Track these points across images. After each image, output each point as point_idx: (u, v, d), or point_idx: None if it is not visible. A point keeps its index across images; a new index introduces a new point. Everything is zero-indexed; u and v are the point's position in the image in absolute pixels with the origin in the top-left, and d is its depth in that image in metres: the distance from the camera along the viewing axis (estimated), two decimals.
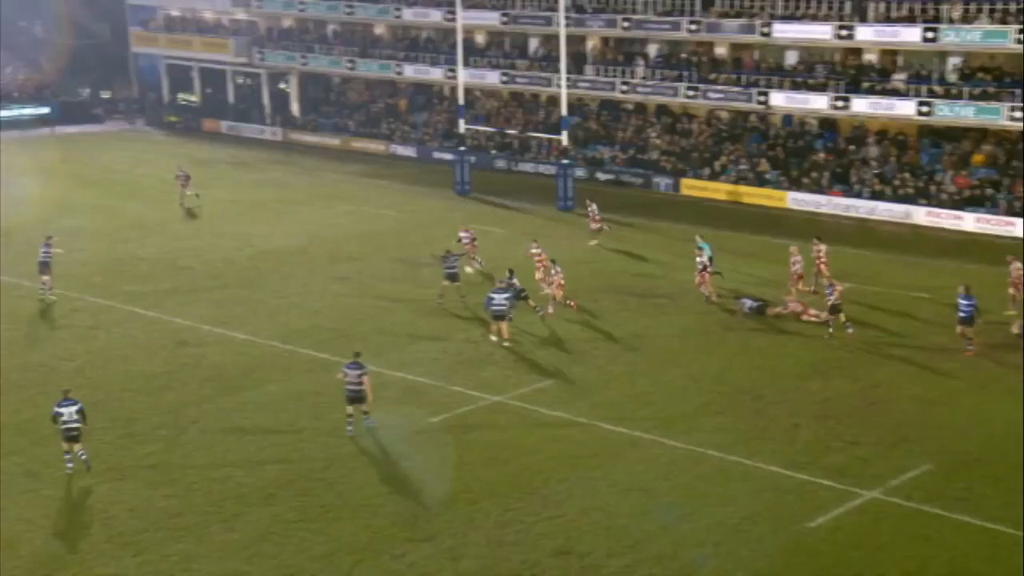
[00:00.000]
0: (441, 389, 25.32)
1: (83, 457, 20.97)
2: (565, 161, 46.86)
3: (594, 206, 39.36)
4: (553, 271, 30.95)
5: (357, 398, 22.70)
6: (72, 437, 20.75)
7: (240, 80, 68.79)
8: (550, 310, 30.40)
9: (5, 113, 65.53)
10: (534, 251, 32.76)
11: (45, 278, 31.87)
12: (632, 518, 19.35)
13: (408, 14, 60.57)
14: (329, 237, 39.91)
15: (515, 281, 29.82)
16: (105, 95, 73.04)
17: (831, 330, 28.63)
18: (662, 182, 50.07)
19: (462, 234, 35.11)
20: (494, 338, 28.44)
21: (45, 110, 67.02)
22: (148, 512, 19.45)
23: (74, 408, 20.85)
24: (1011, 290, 30.39)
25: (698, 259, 31.91)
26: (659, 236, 40.07)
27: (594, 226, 38.81)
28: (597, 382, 25.89)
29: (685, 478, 20.84)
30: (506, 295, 28.38)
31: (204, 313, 30.89)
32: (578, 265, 34.95)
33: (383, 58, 61.63)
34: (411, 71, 60.42)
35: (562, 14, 46.78)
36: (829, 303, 29.01)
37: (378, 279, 34.16)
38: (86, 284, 33.48)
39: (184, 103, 70.35)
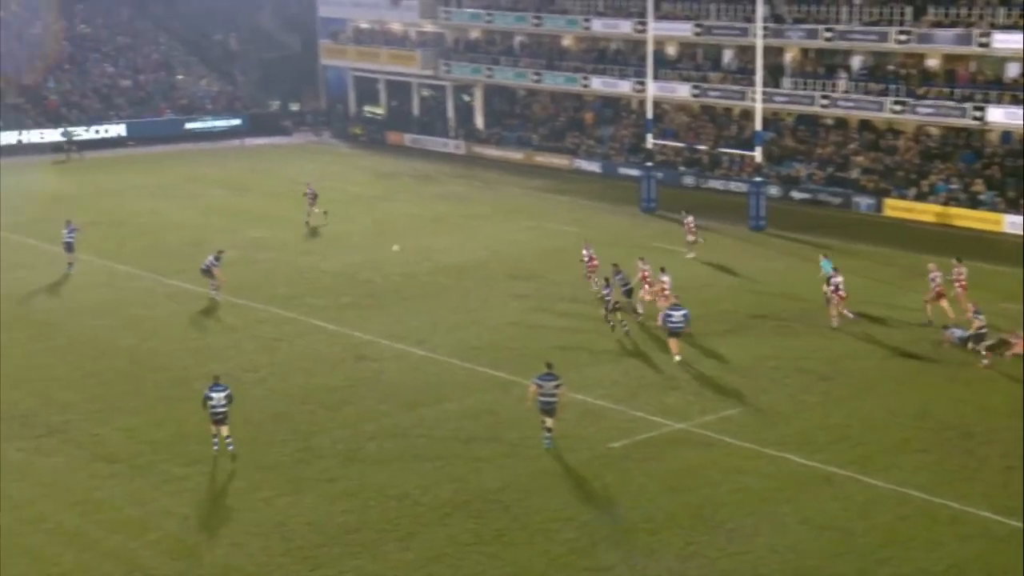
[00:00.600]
0: (622, 413, 25.23)
1: (228, 441, 22.81)
2: (758, 178, 46.05)
3: (690, 217, 39.85)
4: (662, 277, 31.39)
5: (550, 410, 23.16)
6: (219, 420, 22.79)
7: (425, 93, 70.62)
8: (639, 310, 31.54)
9: (198, 124, 69.28)
10: (641, 266, 32.69)
11: (210, 282, 34.09)
12: (825, 559, 18.77)
13: (597, 25, 60.90)
14: (509, 253, 40.42)
15: (621, 275, 31.27)
16: (294, 107, 76.23)
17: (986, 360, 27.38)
18: (863, 202, 48.56)
19: (584, 252, 35.14)
20: (679, 358, 28.45)
21: (236, 122, 70.47)
22: (326, 527, 20.08)
23: (223, 393, 22.84)
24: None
25: (833, 279, 31.12)
26: (859, 260, 38.85)
27: (690, 238, 39.33)
28: (787, 412, 25.27)
29: (885, 519, 20.07)
30: (683, 312, 28.39)
31: (383, 327, 31.71)
32: (775, 283, 34.21)
33: (570, 70, 62.12)
34: (598, 84, 60.67)
35: (759, 24, 46.09)
36: (974, 330, 28.04)
37: (558, 297, 34.37)
38: (270, 295, 34.91)
39: (369, 115, 72.69)
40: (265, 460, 22.80)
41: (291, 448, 23.43)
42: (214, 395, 22.85)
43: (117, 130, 66.12)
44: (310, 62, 76.83)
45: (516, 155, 62.57)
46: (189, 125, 69.02)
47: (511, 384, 27.11)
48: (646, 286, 32.15)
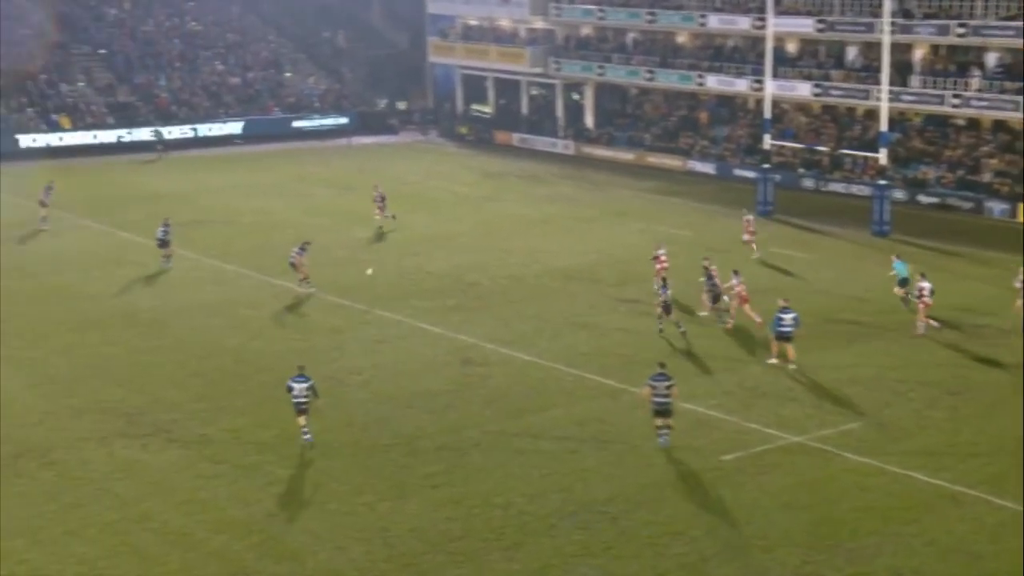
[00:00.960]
0: (735, 424, 24.88)
1: (307, 437, 23.64)
2: (882, 181, 45.02)
3: (750, 216, 40.31)
4: (733, 279, 31.36)
5: (664, 411, 23.34)
6: (302, 410, 23.62)
7: (534, 91, 70.76)
8: (729, 324, 31.44)
9: (306, 123, 70.55)
10: (705, 264, 32.83)
11: (300, 277, 35.15)
12: None
13: (714, 21, 60.28)
14: (619, 256, 40.22)
15: (713, 279, 31.69)
16: (401, 106, 77.10)
17: None
18: (996, 207, 47.12)
19: (657, 251, 35.30)
20: (774, 360, 28.19)
21: (343, 120, 71.57)
22: (428, 533, 20.21)
23: (305, 384, 23.70)
24: None
25: (919, 284, 30.75)
26: (991, 268, 37.68)
27: (746, 237, 39.70)
28: (912, 427, 24.62)
29: (1016, 543, 19.39)
30: (793, 315, 28.11)
31: (489, 331, 31.82)
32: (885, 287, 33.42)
33: (684, 68, 61.61)
34: (714, 82, 60.05)
35: (887, 20, 45.03)
36: None
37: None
38: (375, 297, 35.33)
39: (477, 114, 73.13)
40: (369, 464, 23.06)
41: (395, 452, 23.64)
42: (296, 386, 23.72)
43: (229, 128, 67.66)
44: (418, 60, 77.65)
45: (627, 156, 62.27)
46: (297, 123, 70.32)
47: (620, 392, 26.94)
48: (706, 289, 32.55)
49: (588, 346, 30.46)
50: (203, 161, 61.48)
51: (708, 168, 58.28)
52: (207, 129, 66.95)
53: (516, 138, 68.32)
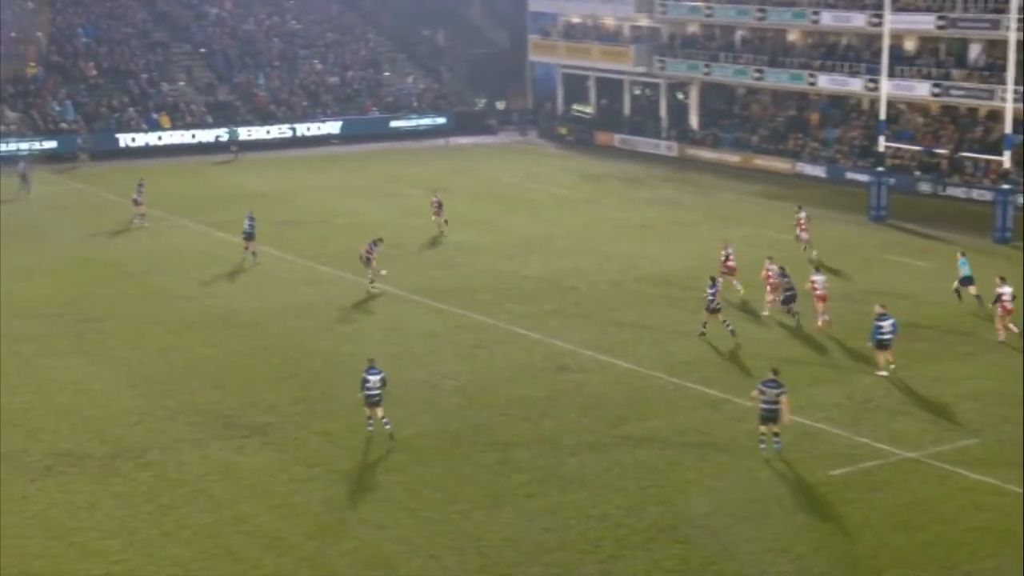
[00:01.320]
0: (844, 439, 24.47)
1: (385, 423, 24.62)
2: (1006, 186, 43.87)
3: (803, 213, 40.54)
4: (814, 276, 31.98)
5: (771, 418, 23.21)
6: (375, 402, 24.58)
7: (637, 91, 70.52)
8: (819, 323, 31.78)
9: (403, 123, 71.31)
10: (770, 268, 33.29)
11: (369, 271, 36.18)
12: None
13: (827, 18, 59.39)
14: (722, 262, 39.76)
15: (788, 279, 32.08)
16: (500, 106, 77.45)
17: None
18: None
19: (723, 252, 35.56)
20: (883, 373, 27.90)
21: (441, 120, 72.16)
22: (523, 544, 20.26)
23: (378, 377, 24.58)
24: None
25: (999, 290, 30.56)
26: None
27: (804, 235, 40.01)
28: None
29: None
30: (891, 320, 27.83)
31: (587, 338, 31.79)
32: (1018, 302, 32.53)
33: (795, 67, 60.80)
34: (826, 81, 59.14)
35: (1013, 16, 43.89)
36: None
37: (774, 310, 33.63)
38: (471, 301, 35.55)
39: (578, 114, 73.12)
40: (463, 471, 23.21)
41: (489, 460, 23.77)
42: (371, 378, 24.55)
43: (327, 128, 68.72)
44: (518, 59, 77.93)
45: (732, 158, 61.68)
46: (394, 123, 71.12)
47: (722, 402, 26.71)
48: (768, 287, 33.22)
49: (689, 354, 30.25)
50: (300, 161, 62.54)
51: (818, 171, 57.42)
52: (305, 129, 68.08)
53: (617, 139, 68.13)
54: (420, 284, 37.07)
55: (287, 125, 67.81)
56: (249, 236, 39.55)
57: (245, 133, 66.28)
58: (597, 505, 21.61)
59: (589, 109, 72.91)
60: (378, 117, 71.23)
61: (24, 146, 59.30)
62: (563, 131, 71.14)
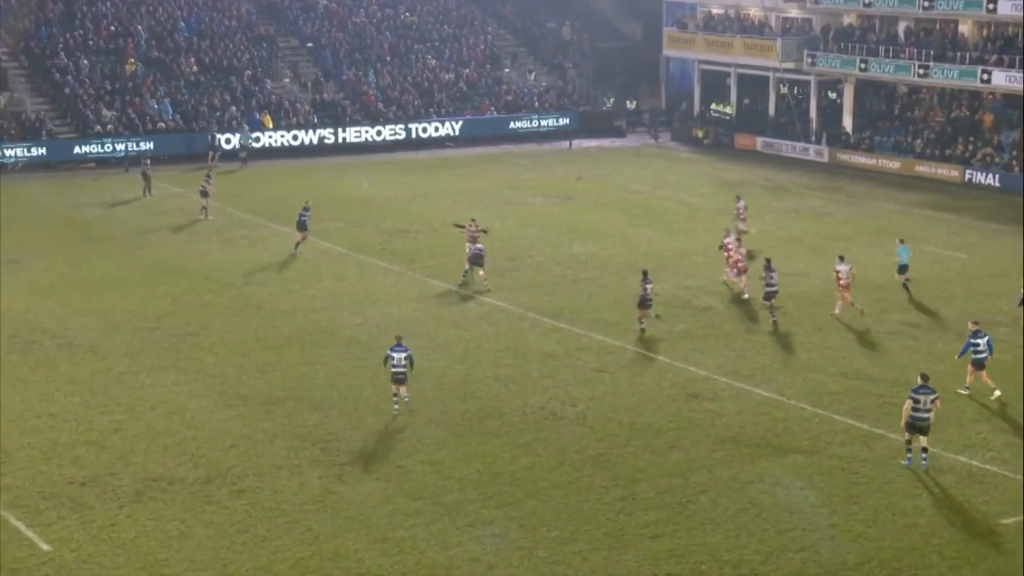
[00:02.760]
0: (1016, 483, 23.79)
1: (406, 400, 27.70)
2: None
3: (743, 202, 45.47)
4: (839, 266, 35.04)
5: (922, 428, 23.70)
6: (399, 380, 27.66)
7: (784, 89, 69.78)
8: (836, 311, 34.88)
9: (523, 124, 71.71)
10: (727, 240, 37.82)
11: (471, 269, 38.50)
12: None
13: (1005, 7, 57.96)
14: (877, 282, 39.14)
15: (774, 273, 34.66)
16: (630, 105, 77.37)
17: None
18: None
19: (725, 240, 38.92)
20: (965, 391, 28.09)
21: (564, 121, 72.37)
22: None
23: (403, 355, 27.63)
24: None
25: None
26: None
27: (741, 226, 44.00)
28: None
29: None
30: (987, 338, 28.09)
31: (722, 362, 31.58)
32: None
33: (966, 63, 59.45)
34: (1002, 79, 57.73)
35: None
36: None
37: (940, 334, 32.91)
38: (593, 320, 35.55)
39: (716, 115, 72.66)
40: (582, 508, 23.21)
41: (611, 496, 23.72)
42: (395, 355, 27.57)
43: (442, 129, 69.45)
44: (651, 54, 77.75)
45: (891, 164, 60.58)
46: (514, 124, 71.56)
47: (875, 438, 26.23)
48: (728, 265, 37.56)
49: (838, 384, 29.79)
50: (411, 164, 63.33)
51: (991, 180, 56.03)
52: (417, 130, 68.90)
53: (760, 142, 67.51)
54: (538, 301, 37.20)
55: (398, 126, 68.74)
56: (302, 225, 41.81)
57: (354, 134, 67.38)
58: (731, 550, 21.40)
59: (729, 109, 72.37)
60: (496, 117, 71.76)
61: (120, 147, 61.22)
62: (700, 133, 70.75)
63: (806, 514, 22.82)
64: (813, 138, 66.13)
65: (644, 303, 34.13)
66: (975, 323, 29.09)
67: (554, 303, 37.15)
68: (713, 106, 73.30)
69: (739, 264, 37.47)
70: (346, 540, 22.05)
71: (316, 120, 67.88)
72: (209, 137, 62.81)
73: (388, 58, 74.12)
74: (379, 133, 68.14)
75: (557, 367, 31.52)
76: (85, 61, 65.98)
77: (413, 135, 68.91)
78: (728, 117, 72.00)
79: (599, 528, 22.39)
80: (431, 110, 71.07)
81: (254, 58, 70.67)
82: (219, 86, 67.99)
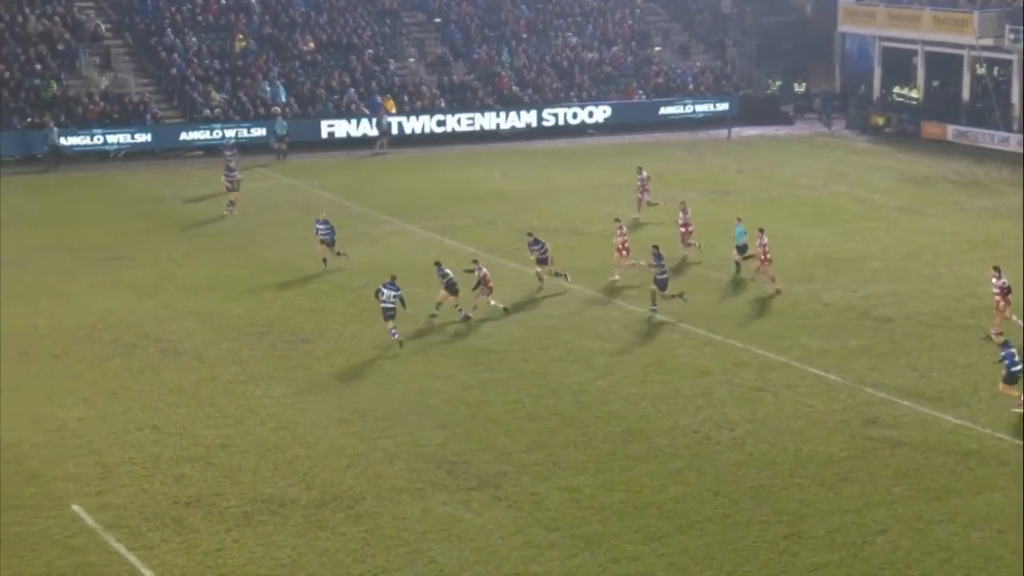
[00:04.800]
0: None
1: (396, 337, 33.50)
2: None
3: (645, 173, 49.04)
4: (759, 241, 38.46)
5: None
6: (389, 316, 33.44)
7: (981, 69, 68.33)
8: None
9: (676, 109, 71.34)
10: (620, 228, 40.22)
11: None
12: None
13: None
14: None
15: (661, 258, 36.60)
16: (798, 88, 76.55)
17: None
18: None
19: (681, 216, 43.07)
20: (1020, 409, 27.83)
21: (723, 106, 71.89)
22: None
23: (394, 293, 33.37)
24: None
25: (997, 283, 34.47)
26: None
27: (645, 196, 48.38)
28: None
29: None
30: (1012, 349, 28.27)
31: (904, 383, 31.12)
32: None
33: None
34: None
35: None
36: None
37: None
38: (754, 332, 35.27)
39: (900, 99, 71.47)
40: (740, 546, 23.06)
41: (774, 533, 23.53)
42: (385, 291, 33.32)
43: (584, 115, 69.52)
44: (824, 30, 76.80)
45: None
46: (665, 110, 71.35)
47: None
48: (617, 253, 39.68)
49: None
50: (547, 155, 63.55)
51: None
52: (555, 116, 69.06)
53: (952, 131, 66.27)
54: (691, 309, 37.04)
55: (534, 111, 69.01)
56: (326, 243, 41.71)
57: (493, 120, 67.73)
58: None
59: (915, 93, 71.19)
60: (645, 102, 71.62)
61: (230, 133, 62.58)
62: (880, 121, 69.72)
63: (1004, 561, 22.35)
64: (1016, 126, 64.62)
65: (661, 284, 36.44)
66: (998, 333, 29.77)
67: (709, 312, 36.94)
68: (896, 89, 72.17)
69: (623, 247, 39.81)
70: (474, 573, 22.22)
71: (443, 104, 68.52)
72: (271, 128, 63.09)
73: (524, 35, 74.49)
74: (513, 119, 68.48)
75: (711, 385, 31.34)
76: (193, 39, 67.62)
77: (551, 121, 69.14)
78: (914, 102, 70.80)
79: (759, 569, 22.21)
80: (571, 94, 71.23)
81: (376, 35, 71.60)
82: (337, 66, 69.01)
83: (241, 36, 68.26)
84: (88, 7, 68.67)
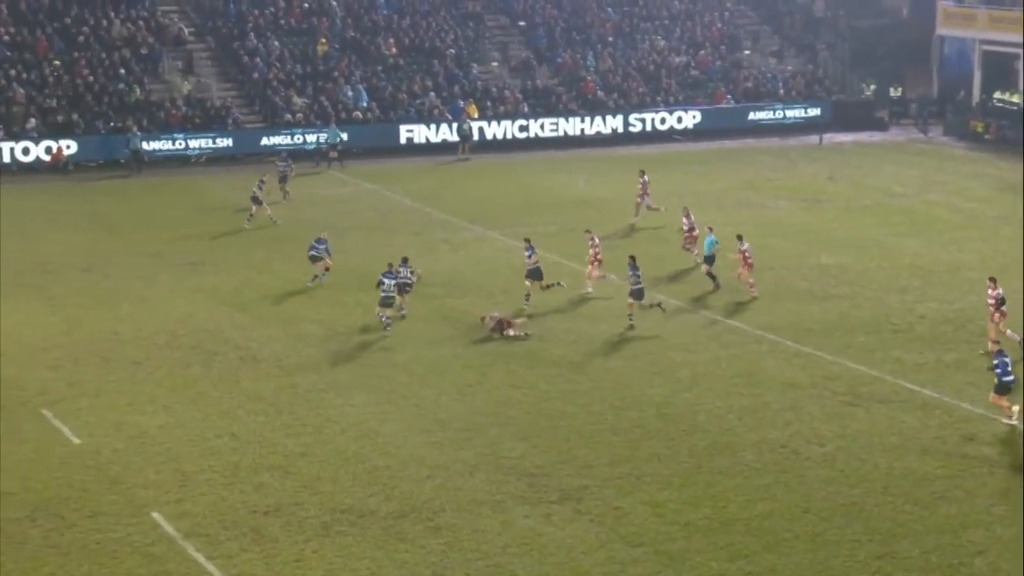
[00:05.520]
0: None
1: (403, 312, 36.85)
2: None
3: (646, 177, 49.48)
4: (739, 247, 38.88)
5: None
6: (387, 304, 35.74)
7: None
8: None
9: (765, 115, 70.95)
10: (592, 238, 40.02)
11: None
12: None
13: None
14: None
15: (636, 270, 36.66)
16: (894, 93, 75.81)
17: None
18: None
19: (685, 220, 42.99)
20: (1014, 421, 28.81)
21: (815, 112, 71.40)
22: None
23: (393, 282, 35.68)
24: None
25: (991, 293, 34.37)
26: None
27: (647, 200, 48.89)
28: None
29: None
30: (1007, 359, 28.39)
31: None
32: None
33: None
34: None
35: None
36: None
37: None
38: (845, 344, 34.95)
39: (1001, 105, 70.54)
40: (830, 566, 22.92)
41: (865, 553, 23.34)
42: (386, 280, 35.75)
43: (670, 120, 69.33)
44: (922, 32, 76.07)
45: None
46: (754, 115, 71.00)
47: None
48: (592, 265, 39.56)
49: None
50: (633, 161, 63.10)
51: None
52: (641, 121, 68.95)
53: None
54: (779, 320, 36.83)
55: (619, 116, 68.93)
56: (316, 260, 41.18)
57: (577, 125, 67.78)
58: None
59: (1017, 99, 70.22)
60: (734, 107, 71.36)
61: (312, 138, 63.18)
62: (979, 127, 68.89)
63: None
64: None
65: (637, 295, 36.27)
66: (994, 342, 30.66)
67: (798, 323, 36.69)
68: (997, 95, 71.24)
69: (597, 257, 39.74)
70: None
71: (527, 109, 68.69)
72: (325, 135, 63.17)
73: (610, 39, 74.44)
74: (598, 124, 68.48)
75: (801, 399, 31.12)
76: (276, 42, 68.33)
77: (638, 127, 69.07)
78: (1015, 107, 69.78)
79: None
80: (657, 98, 71.13)
81: (459, 39, 71.92)
82: (420, 70, 69.41)
83: (323, 40, 68.89)
84: (172, 11, 69.67)
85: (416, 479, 26.66)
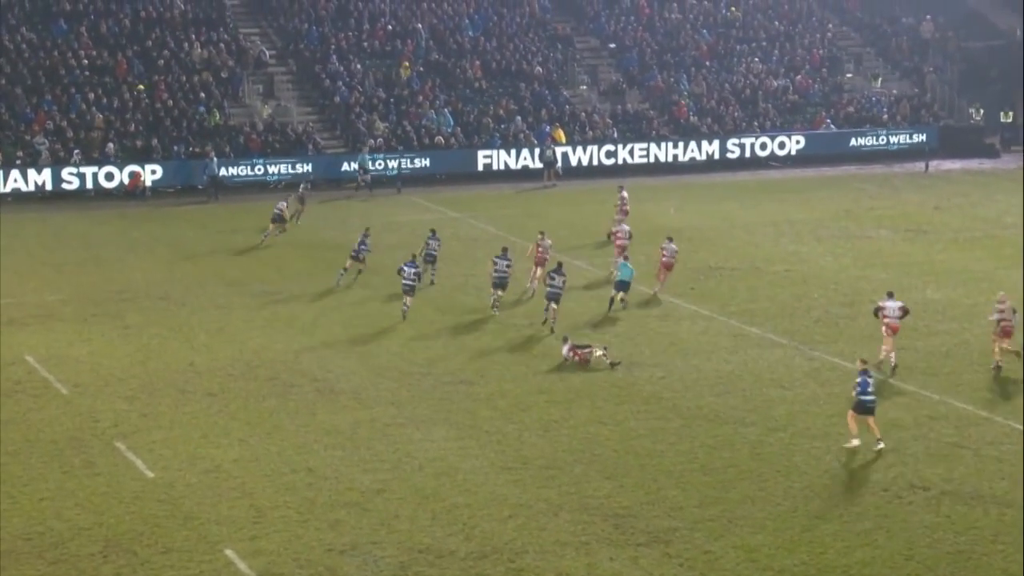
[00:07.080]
0: None
1: (404, 309, 39.97)
2: None
3: (625, 193, 52.82)
4: (664, 244, 42.43)
5: None
6: (408, 291, 39.74)
7: None
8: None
9: (868, 140, 70.36)
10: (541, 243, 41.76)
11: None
12: None
13: None
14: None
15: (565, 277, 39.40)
16: (1005, 118, 74.93)
17: None
18: None
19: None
20: (855, 443, 26.73)
21: (920, 137, 70.83)
22: None
23: (413, 270, 39.94)
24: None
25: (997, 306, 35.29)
26: None
27: (618, 217, 50.53)
28: None
29: None
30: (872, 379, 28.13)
31: None
32: None
33: None
34: None
35: None
36: None
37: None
38: (954, 383, 34.54)
39: None
40: None
41: None
42: (407, 269, 39.79)
43: (768, 146, 69.02)
44: None
45: None
46: (856, 141, 70.56)
47: None
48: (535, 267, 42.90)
49: None
50: (727, 188, 63.31)
51: None
52: (737, 147, 68.74)
53: None
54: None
55: (716, 141, 68.76)
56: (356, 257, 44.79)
57: (658, 151, 67.75)
58: None
59: None
60: (834, 133, 70.98)
61: (392, 164, 63.68)
62: None
63: None
64: None
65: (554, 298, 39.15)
66: (863, 361, 30.86)
67: (901, 361, 36.24)
68: None
69: (539, 256, 42.89)
70: None
71: (616, 134, 68.71)
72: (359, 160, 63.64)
73: (705, 62, 74.29)
74: (692, 150, 68.34)
75: (904, 439, 30.73)
76: (358, 65, 68.92)
77: (735, 153, 68.85)
78: None
79: None
80: (754, 123, 70.92)
81: (547, 61, 72.17)
82: (505, 94, 69.65)
83: (407, 63, 69.35)
84: (253, 33, 70.62)
85: (497, 519, 26.60)
